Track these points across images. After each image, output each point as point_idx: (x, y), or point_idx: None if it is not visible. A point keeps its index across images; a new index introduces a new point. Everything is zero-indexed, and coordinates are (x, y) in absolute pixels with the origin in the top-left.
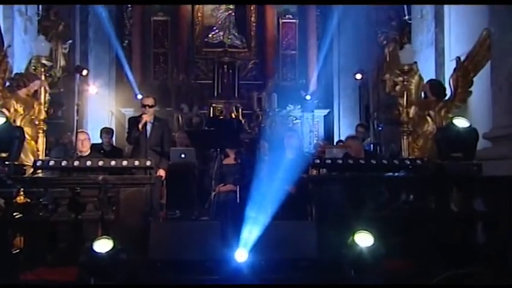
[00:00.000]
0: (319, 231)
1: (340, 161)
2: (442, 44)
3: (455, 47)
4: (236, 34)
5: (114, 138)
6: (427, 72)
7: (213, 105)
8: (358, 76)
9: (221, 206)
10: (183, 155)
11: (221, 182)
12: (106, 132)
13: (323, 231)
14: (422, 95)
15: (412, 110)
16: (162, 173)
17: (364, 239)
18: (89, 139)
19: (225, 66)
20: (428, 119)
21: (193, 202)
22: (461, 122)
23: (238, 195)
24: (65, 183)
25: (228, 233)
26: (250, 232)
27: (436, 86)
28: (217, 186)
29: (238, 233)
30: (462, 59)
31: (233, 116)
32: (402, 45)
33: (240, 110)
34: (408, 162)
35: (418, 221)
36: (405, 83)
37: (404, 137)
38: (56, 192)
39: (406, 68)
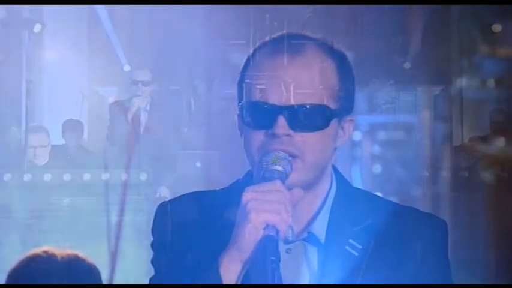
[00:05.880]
0: None
1: None
2: None
3: None
4: None
5: (85, 136)
6: None
7: (248, 80)
8: (497, 28)
9: None
10: (198, 164)
11: None
12: (71, 128)
13: None
14: None
15: None
16: (165, 192)
17: None
18: (49, 144)
19: (267, 16)
20: None
21: None
22: None
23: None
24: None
25: None
26: None
27: None
28: None
29: None
30: None
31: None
32: None
33: (292, 89)
34: None
35: None
36: None
37: None
38: None
39: None
